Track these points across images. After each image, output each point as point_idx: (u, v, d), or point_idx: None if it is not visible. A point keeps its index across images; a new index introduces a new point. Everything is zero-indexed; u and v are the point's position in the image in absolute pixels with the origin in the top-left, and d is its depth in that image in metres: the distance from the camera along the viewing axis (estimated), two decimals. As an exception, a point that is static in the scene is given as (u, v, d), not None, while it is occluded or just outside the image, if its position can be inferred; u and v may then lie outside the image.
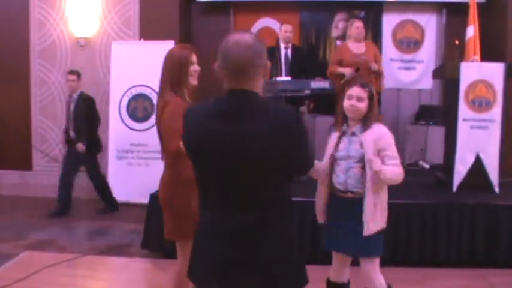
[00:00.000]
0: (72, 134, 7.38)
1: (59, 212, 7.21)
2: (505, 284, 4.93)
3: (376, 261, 3.57)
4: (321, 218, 3.67)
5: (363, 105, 3.49)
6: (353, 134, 3.53)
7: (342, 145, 3.56)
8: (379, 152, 3.41)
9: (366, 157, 3.39)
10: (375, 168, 3.32)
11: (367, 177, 3.43)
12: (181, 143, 3.18)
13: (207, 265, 2.29)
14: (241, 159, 2.14)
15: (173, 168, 3.52)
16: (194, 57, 3.63)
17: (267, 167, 2.17)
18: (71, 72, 7.40)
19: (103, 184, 7.48)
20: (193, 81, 3.65)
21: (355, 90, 3.53)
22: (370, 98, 3.55)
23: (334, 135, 3.62)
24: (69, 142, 7.43)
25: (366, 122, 3.51)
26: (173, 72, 3.56)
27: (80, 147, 7.19)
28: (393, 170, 3.39)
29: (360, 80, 3.77)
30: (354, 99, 3.50)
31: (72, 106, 7.38)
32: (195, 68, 3.63)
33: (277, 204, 2.26)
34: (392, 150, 3.46)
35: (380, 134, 3.48)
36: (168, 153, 3.48)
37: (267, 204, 2.23)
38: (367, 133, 3.47)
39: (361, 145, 3.46)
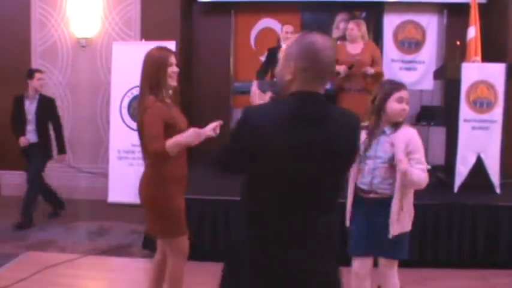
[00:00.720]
0: (31, 136, 6.90)
1: (54, 212, 7.24)
2: (506, 285, 4.93)
3: (396, 263, 3.56)
4: (347, 221, 3.65)
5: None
6: (383, 133, 3.51)
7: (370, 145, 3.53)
8: (407, 155, 3.40)
9: (397, 157, 3.37)
10: (402, 168, 3.31)
11: (397, 178, 3.41)
12: (166, 144, 3.36)
13: (275, 276, 2.12)
14: (322, 163, 2.10)
15: (155, 168, 3.62)
16: (172, 59, 3.66)
17: (342, 171, 2.24)
18: (41, 71, 7.19)
19: (34, 199, 6.95)
20: (172, 82, 3.68)
21: (405, 93, 3.52)
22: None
23: (362, 135, 3.56)
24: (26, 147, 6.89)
25: (400, 123, 3.50)
26: (152, 74, 3.61)
27: (23, 140, 6.79)
28: (419, 174, 3.39)
29: (402, 83, 3.73)
30: (405, 102, 3.49)
31: (33, 106, 6.94)
32: (173, 69, 3.64)
33: (335, 207, 2.26)
34: (420, 154, 3.46)
35: (411, 136, 3.48)
36: (148, 155, 3.58)
37: (333, 209, 2.24)
38: (398, 133, 3.46)
39: (391, 145, 3.43)
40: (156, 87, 3.58)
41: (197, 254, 5.46)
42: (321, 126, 2.08)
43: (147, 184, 3.66)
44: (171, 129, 3.48)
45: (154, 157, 3.50)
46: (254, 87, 2.59)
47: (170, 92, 3.71)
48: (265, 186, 2.12)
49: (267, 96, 2.55)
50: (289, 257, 2.09)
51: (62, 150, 7.15)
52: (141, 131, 3.58)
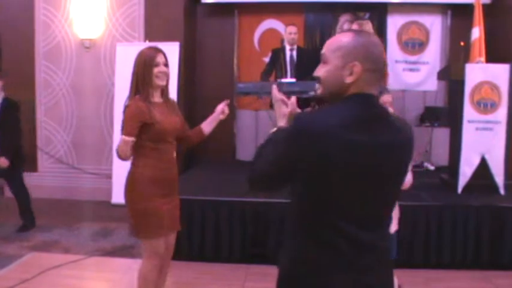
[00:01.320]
0: None
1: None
2: (510, 286, 4.93)
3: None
4: None
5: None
6: None
7: None
8: None
9: None
10: None
11: None
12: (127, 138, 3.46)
13: None
14: (388, 172, 1.93)
15: (132, 167, 3.67)
16: (160, 58, 3.61)
17: (400, 180, 2.04)
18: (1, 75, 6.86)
19: (28, 201, 6.71)
20: (159, 82, 3.61)
21: (387, 97, 3.62)
22: None
23: None
24: None
25: None
26: (139, 73, 3.60)
27: (3, 162, 6.33)
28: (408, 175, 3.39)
29: (386, 88, 3.80)
30: (388, 105, 3.55)
31: None
32: (160, 69, 3.59)
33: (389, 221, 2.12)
34: None
35: None
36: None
37: (387, 222, 2.09)
38: None
39: None
40: (142, 86, 3.57)
41: (199, 254, 5.49)
42: (386, 132, 1.91)
43: (127, 183, 3.68)
44: (150, 129, 3.53)
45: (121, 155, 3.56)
46: (275, 91, 2.38)
47: (158, 91, 3.68)
48: (330, 201, 1.89)
49: (293, 99, 2.33)
50: (355, 275, 1.90)
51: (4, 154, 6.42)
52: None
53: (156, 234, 3.65)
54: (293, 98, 2.31)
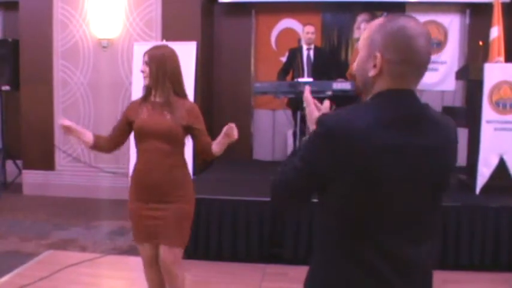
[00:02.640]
0: None
1: None
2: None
3: None
4: None
5: None
6: None
7: None
8: None
9: None
10: None
11: None
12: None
13: None
14: (427, 177, 1.73)
15: None
16: (144, 58, 3.55)
17: (445, 185, 1.85)
18: None
19: None
20: (144, 81, 3.56)
21: None
22: None
23: None
24: None
25: None
26: None
27: None
28: None
29: None
30: None
31: None
32: (140, 68, 3.56)
33: (434, 234, 1.87)
34: None
35: None
36: None
37: (431, 235, 1.83)
38: None
39: None
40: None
41: (217, 254, 5.49)
42: (422, 132, 1.70)
43: None
44: (131, 127, 3.55)
45: None
46: (307, 93, 2.06)
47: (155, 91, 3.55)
48: (358, 214, 1.69)
49: (326, 104, 2.07)
50: None
51: None
52: None
53: (135, 238, 3.63)
54: (326, 102, 2.05)
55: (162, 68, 3.49)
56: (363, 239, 1.69)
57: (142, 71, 3.51)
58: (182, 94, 3.59)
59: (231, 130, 3.37)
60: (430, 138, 1.71)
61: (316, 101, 2.03)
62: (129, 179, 3.65)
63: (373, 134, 1.63)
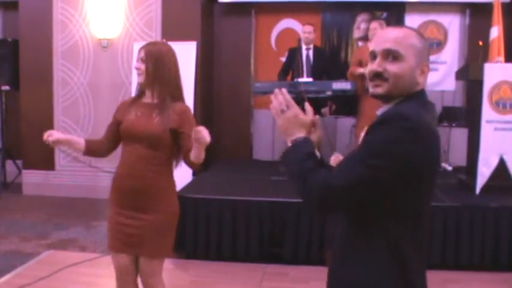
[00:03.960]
0: None
1: None
2: (530, 289, 4.87)
3: None
4: None
5: None
6: None
7: None
8: None
9: None
10: None
11: None
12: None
13: None
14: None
15: None
16: (139, 54, 3.29)
17: None
18: None
19: None
20: (138, 79, 3.33)
21: None
22: None
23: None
24: None
25: None
26: None
27: None
28: None
29: None
30: None
31: None
32: (136, 65, 3.31)
33: None
34: None
35: None
36: None
37: None
38: None
39: None
40: (138, 84, 3.41)
41: (216, 254, 5.49)
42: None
43: None
44: (118, 127, 3.35)
45: None
46: (286, 95, 1.97)
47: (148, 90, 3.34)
48: (419, 211, 1.87)
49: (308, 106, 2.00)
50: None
51: None
52: None
53: (110, 246, 3.37)
54: (308, 105, 2.01)
55: (159, 66, 3.27)
56: (411, 235, 1.84)
57: (137, 68, 3.27)
58: (179, 97, 3.39)
59: (199, 134, 2.94)
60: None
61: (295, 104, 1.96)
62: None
63: (436, 131, 1.83)
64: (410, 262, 1.82)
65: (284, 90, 1.97)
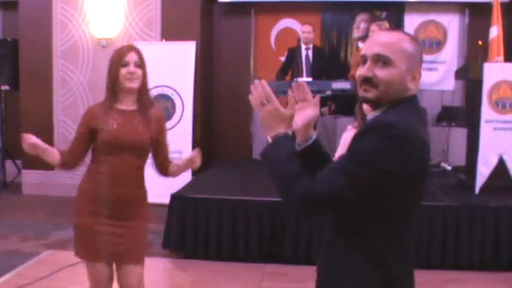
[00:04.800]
0: None
1: None
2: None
3: None
4: None
5: None
6: None
7: None
8: None
9: None
10: None
11: None
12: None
13: None
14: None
15: (84, 175, 3.34)
16: (129, 57, 3.15)
17: None
18: None
19: None
20: (128, 84, 3.14)
21: None
22: None
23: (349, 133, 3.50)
24: None
25: None
26: (108, 74, 3.24)
27: None
28: None
29: None
30: None
31: None
32: (129, 69, 3.13)
33: None
34: None
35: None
36: None
37: None
38: None
39: None
40: (107, 89, 3.21)
41: (216, 254, 5.49)
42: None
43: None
44: (97, 137, 3.13)
45: None
46: (267, 88, 1.96)
47: (129, 96, 3.21)
48: (405, 218, 1.86)
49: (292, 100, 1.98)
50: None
51: None
52: None
53: (87, 255, 3.21)
54: (290, 97, 1.99)
55: (146, 70, 3.22)
56: (399, 236, 1.85)
57: (133, 73, 3.14)
58: (151, 100, 3.32)
59: (197, 158, 3.13)
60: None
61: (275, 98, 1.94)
62: (79, 189, 3.28)
63: (424, 138, 1.79)
64: (394, 270, 1.81)
65: (264, 82, 1.95)
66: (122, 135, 3.09)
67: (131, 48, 3.24)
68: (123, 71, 3.14)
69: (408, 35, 1.91)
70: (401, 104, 1.84)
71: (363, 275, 1.81)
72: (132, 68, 3.13)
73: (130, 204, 3.17)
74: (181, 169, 3.32)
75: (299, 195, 1.74)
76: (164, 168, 3.34)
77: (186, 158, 3.23)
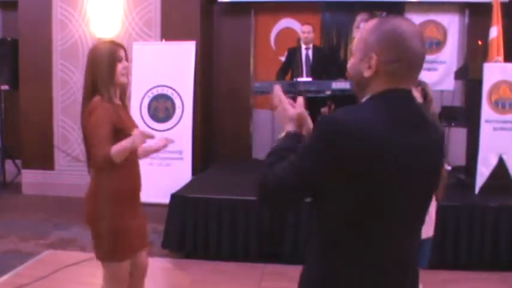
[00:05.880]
0: None
1: None
2: (529, 288, 4.88)
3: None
4: None
5: None
6: None
7: None
8: None
9: None
10: None
11: None
12: (112, 149, 2.92)
13: None
14: (426, 175, 1.77)
15: (96, 181, 3.25)
16: (122, 53, 3.24)
17: (434, 184, 1.87)
18: None
19: None
20: (123, 79, 3.23)
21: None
22: (425, 97, 3.45)
23: None
24: None
25: None
26: (98, 71, 3.19)
27: None
28: None
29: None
30: None
31: None
32: (124, 64, 3.22)
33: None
34: None
35: None
36: (94, 163, 3.16)
37: (420, 232, 1.90)
38: None
39: None
40: (103, 85, 3.16)
41: (216, 253, 5.49)
42: (420, 130, 1.74)
43: (90, 199, 3.25)
44: (119, 134, 3.09)
45: (102, 164, 3.05)
46: (278, 91, 2.03)
47: (118, 91, 3.30)
48: (358, 213, 1.70)
49: (300, 100, 2.00)
50: None
51: None
52: (85, 136, 3.20)
53: (123, 257, 3.25)
54: (300, 99, 2.00)
55: None
56: (361, 240, 1.72)
57: (127, 67, 3.28)
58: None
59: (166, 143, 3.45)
60: (426, 137, 1.75)
61: (287, 99, 2.00)
62: (104, 194, 3.20)
63: (373, 135, 1.64)
64: (353, 270, 1.74)
65: (278, 86, 2.02)
66: (132, 128, 3.19)
67: (119, 44, 3.32)
68: (119, 66, 3.20)
69: (379, 21, 1.78)
70: (371, 99, 1.76)
71: (310, 275, 1.87)
72: (125, 63, 3.24)
73: (140, 195, 3.36)
74: (146, 154, 3.50)
75: (258, 182, 1.78)
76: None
77: (155, 144, 3.42)
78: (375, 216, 1.70)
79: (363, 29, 1.80)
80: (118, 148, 2.97)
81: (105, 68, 3.18)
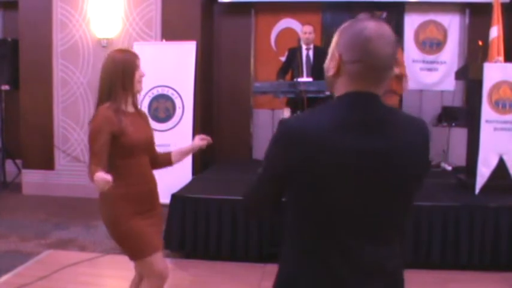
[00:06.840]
0: None
1: None
2: (529, 288, 4.87)
3: None
4: None
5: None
6: None
7: None
8: None
9: None
10: None
11: None
12: (96, 174, 2.87)
13: None
14: (384, 180, 1.70)
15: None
16: (139, 62, 3.35)
17: (411, 188, 1.79)
18: None
19: None
20: (140, 86, 3.37)
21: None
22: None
23: None
24: None
25: None
26: (115, 79, 3.25)
27: None
28: None
29: None
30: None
31: None
32: (140, 73, 3.33)
33: (401, 236, 1.85)
34: None
35: None
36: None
37: (396, 237, 1.81)
38: None
39: None
40: (118, 93, 3.25)
41: (216, 253, 5.49)
42: (380, 135, 1.68)
43: (101, 204, 3.35)
44: (118, 142, 3.19)
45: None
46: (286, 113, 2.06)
47: (130, 98, 3.38)
48: (316, 215, 1.70)
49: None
50: None
51: None
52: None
53: (150, 251, 3.34)
54: (286, 110, 2.04)
55: None
56: (319, 239, 1.73)
57: (143, 75, 3.39)
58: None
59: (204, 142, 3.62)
60: (388, 141, 1.70)
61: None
62: (111, 199, 3.25)
63: (327, 137, 1.65)
64: (311, 268, 1.76)
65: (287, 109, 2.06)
66: (141, 136, 3.34)
67: (135, 53, 3.43)
68: (137, 74, 3.31)
69: (352, 23, 1.77)
70: (336, 100, 1.76)
71: (280, 275, 1.93)
72: (141, 71, 3.35)
73: (155, 196, 3.49)
74: (183, 156, 3.73)
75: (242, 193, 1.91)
76: (155, 162, 3.59)
77: (192, 144, 3.67)
78: (327, 219, 1.70)
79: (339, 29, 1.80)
80: (97, 178, 2.88)
81: (124, 77, 3.27)
